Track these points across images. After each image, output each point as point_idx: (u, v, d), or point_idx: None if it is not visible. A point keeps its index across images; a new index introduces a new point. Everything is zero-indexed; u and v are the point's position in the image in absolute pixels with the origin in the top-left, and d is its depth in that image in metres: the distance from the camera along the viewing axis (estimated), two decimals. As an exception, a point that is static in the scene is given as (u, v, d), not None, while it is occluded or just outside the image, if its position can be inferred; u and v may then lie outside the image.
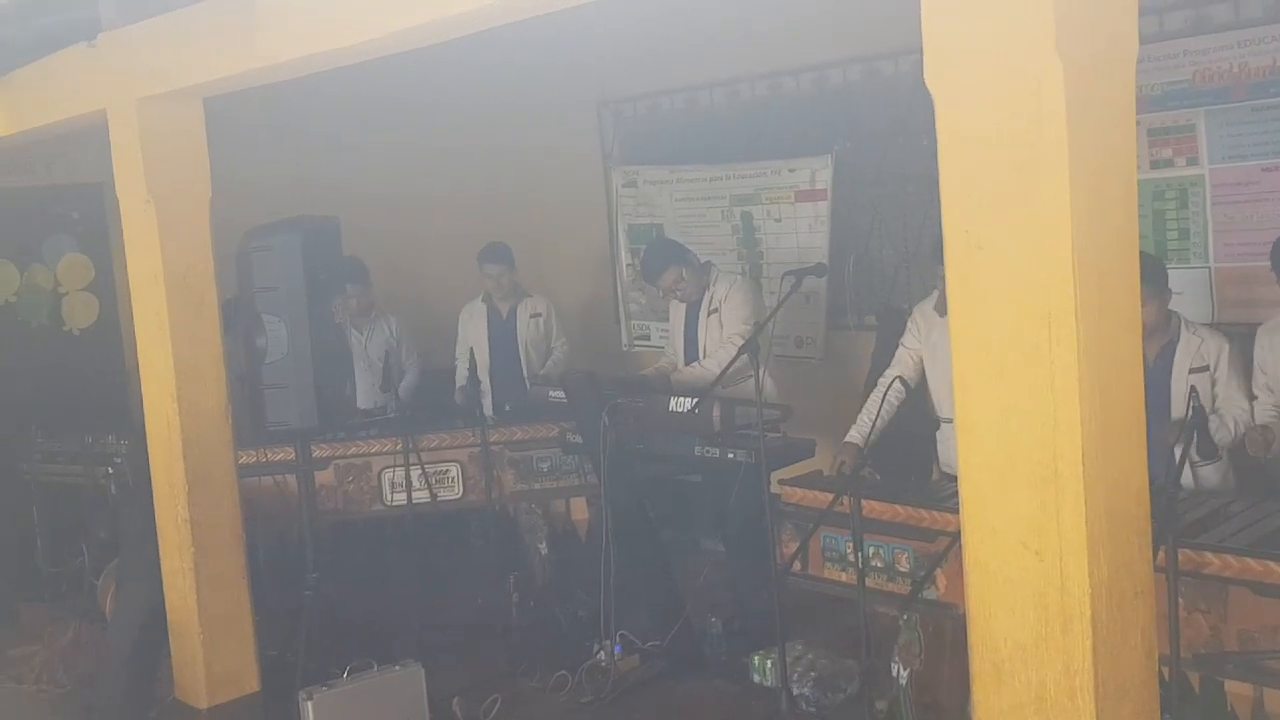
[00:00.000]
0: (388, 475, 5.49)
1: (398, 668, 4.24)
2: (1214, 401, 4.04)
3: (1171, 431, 3.65)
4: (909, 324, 4.77)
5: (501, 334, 6.24)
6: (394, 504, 5.50)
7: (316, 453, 5.21)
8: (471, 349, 5.84)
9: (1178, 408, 4.00)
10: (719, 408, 4.76)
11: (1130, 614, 2.18)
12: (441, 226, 7.30)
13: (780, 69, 6.41)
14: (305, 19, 3.59)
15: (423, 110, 7.17)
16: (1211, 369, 4.03)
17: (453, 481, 5.55)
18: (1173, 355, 4.09)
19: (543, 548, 5.71)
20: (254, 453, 5.00)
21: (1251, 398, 4.05)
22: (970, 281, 2.29)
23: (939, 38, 2.27)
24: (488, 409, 5.91)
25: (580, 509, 5.81)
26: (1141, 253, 4.45)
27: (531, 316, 6.25)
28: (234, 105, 4.78)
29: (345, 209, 5.26)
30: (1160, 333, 4.10)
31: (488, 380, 6.05)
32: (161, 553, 4.61)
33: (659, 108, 7.11)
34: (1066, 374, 2.14)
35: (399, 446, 5.41)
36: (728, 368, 4.64)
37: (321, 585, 4.52)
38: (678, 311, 5.62)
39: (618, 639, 4.84)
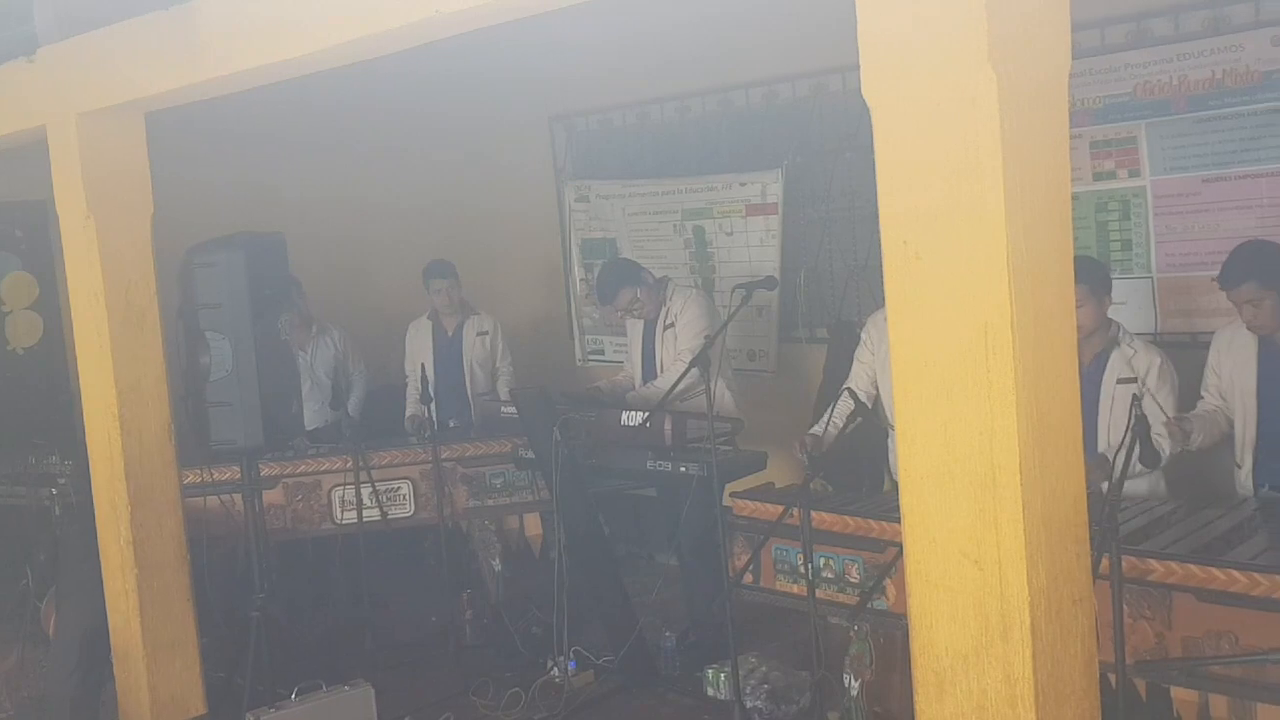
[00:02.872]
0: (338, 493, 5.44)
1: (347, 688, 4.19)
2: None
3: (1096, 465, 3.66)
4: (862, 336, 4.80)
5: (447, 351, 6.21)
6: (344, 522, 5.44)
7: (265, 471, 5.15)
8: (422, 365, 5.79)
9: (1104, 415, 4.06)
10: (670, 421, 4.76)
11: (1069, 621, 2.19)
12: (392, 241, 7.27)
13: (730, 84, 6.44)
14: (248, 31, 3.56)
15: (373, 124, 7.15)
16: (1140, 381, 4.06)
17: (404, 499, 5.50)
18: (1105, 364, 4.13)
19: (496, 564, 5.67)
20: (199, 472, 4.93)
21: (1178, 410, 4.09)
22: (909, 292, 2.30)
23: (875, 51, 2.28)
24: (434, 426, 5.87)
25: (534, 525, 5.78)
26: (1081, 255, 4.52)
27: (478, 334, 6.22)
28: (178, 119, 4.73)
29: (292, 223, 5.22)
30: (1098, 336, 4.14)
31: (435, 398, 6.01)
32: (104, 574, 4.53)
33: (611, 122, 7.12)
34: (1003, 383, 2.15)
35: (349, 464, 5.36)
36: (677, 382, 4.64)
37: (269, 605, 4.46)
38: (635, 328, 5.62)
39: (572, 655, 4.82)
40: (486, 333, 6.24)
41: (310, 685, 4.17)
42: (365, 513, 5.37)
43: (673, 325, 5.36)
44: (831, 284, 6.17)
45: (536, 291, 7.54)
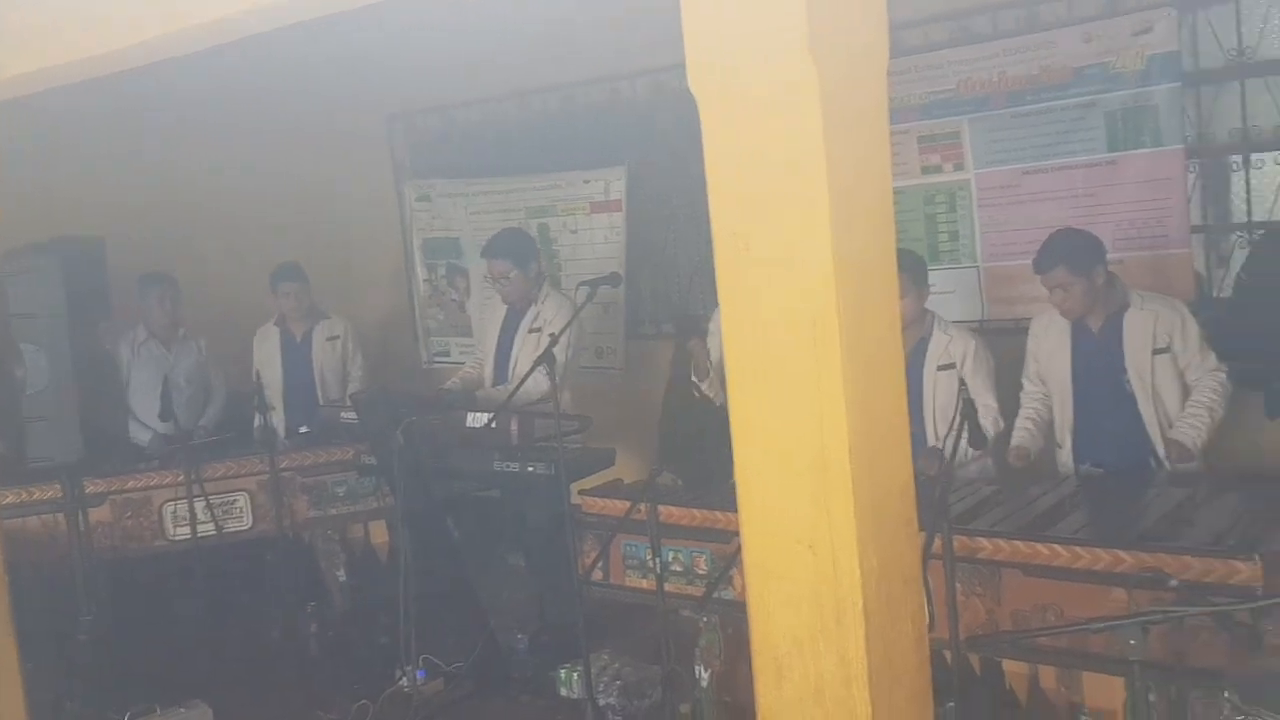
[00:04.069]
0: (170, 509, 5.22)
1: (183, 710, 4.04)
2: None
3: (925, 458, 3.78)
4: (709, 329, 4.83)
5: (295, 358, 6.02)
6: (178, 538, 5.22)
7: (90, 488, 4.91)
8: (257, 373, 5.61)
9: (927, 400, 4.20)
10: (517, 421, 4.72)
11: (900, 602, 2.24)
12: (226, 244, 7.01)
13: (573, 81, 6.44)
14: (51, 26, 3.37)
15: (201, 123, 6.88)
16: (958, 367, 4.22)
17: (241, 511, 5.33)
18: (925, 351, 4.28)
19: (341, 574, 5.54)
20: (17, 491, 4.67)
21: (997, 396, 4.26)
22: (739, 283, 2.31)
23: (699, 44, 2.29)
24: (281, 434, 5.70)
25: (380, 532, 5.66)
26: (901, 249, 4.68)
27: (328, 339, 6.05)
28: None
29: (117, 228, 5.00)
30: (916, 326, 4.28)
31: (280, 405, 5.83)
32: (-85, 604, 4.26)
33: (451, 120, 7.04)
34: (831, 372, 2.18)
35: (181, 478, 5.15)
36: (522, 381, 4.60)
37: (98, 627, 4.26)
38: (494, 318, 5.53)
39: (420, 663, 4.73)
40: (337, 337, 6.07)
41: (144, 709, 4.01)
42: (200, 528, 5.17)
43: (539, 330, 5.27)
44: (677, 279, 6.22)
45: (379, 293, 7.41)
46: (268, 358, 6.00)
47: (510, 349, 5.35)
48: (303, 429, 5.85)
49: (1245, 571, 2.91)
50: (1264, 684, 2.46)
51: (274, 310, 6.06)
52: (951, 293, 5.15)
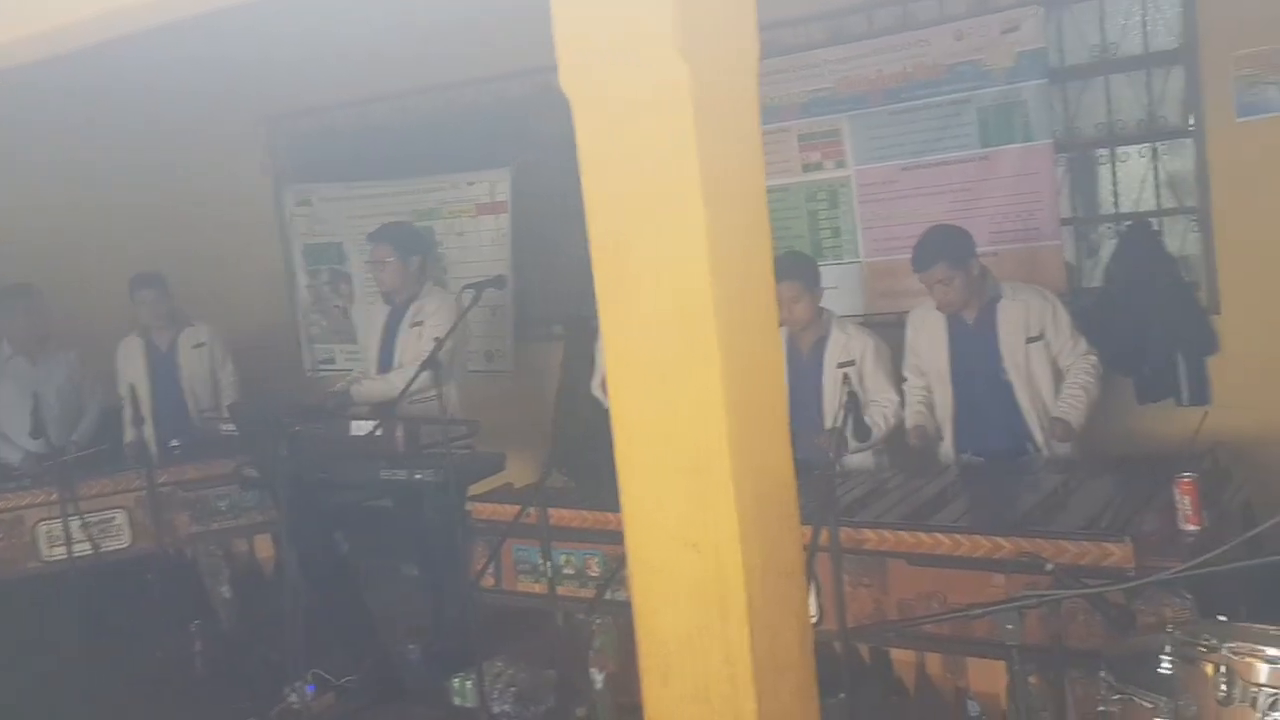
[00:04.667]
0: (44, 528, 5.03)
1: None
2: (864, 395, 4.31)
3: (824, 438, 3.84)
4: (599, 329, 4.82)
5: (162, 368, 5.84)
6: (53, 559, 5.03)
7: (-44, 509, 4.71)
8: (132, 386, 5.43)
9: (829, 398, 4.26)
10: (402, 428, 4.65)
11: (783, 596, 2.25)
12: (98, 253, 6.77)
13: (454, 82, 6.37)
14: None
15: (69, 126, 6.63)
16: (858, 363, 4.29)
17: (119, 529, 5.15)
18: (824, 350, 4.33)
19: (225, 591, 5.40)
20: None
21: (898, 389, 4.34)
22: (616, 283, 2.30)
23: (569, 42, 2.27)
24: (152, 449, 5.52)
25: (265, 546, 5.52)
26: (795, 252, 4.76)
27: (194, 347, 5.88)
28: None
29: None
30: (814, 327, 4.34)
31: (150, 419, 5.65)
32: None
33: (331, 123, 6.91)
34: (709, 369, 2.18)
35: (54, 497, 4.96)
36: (409, 385, 4.53)
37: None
38: (376, 318, 5.45)
39: (310, 678, 4.63)
40: (203, 344, 5.90)
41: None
42: (76, 547, 4.98)
43: (420, 324, 5.21)
44: (565, 280, 6.19)
45: (259, 301, 7.22)
46: (133, 370, 5.81)
47: (393, 346, 5.27)
48: (174, 443, 5.66)
49: (1118, 553, 3.00)
50: (1138, 663, 2.52)
51: (135, 320, 5.88)
52: (835, 288, 5.22)
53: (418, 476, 4.62)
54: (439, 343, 4.58)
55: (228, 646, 5.24)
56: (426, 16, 5.65)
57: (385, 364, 5.33)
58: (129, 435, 5.66)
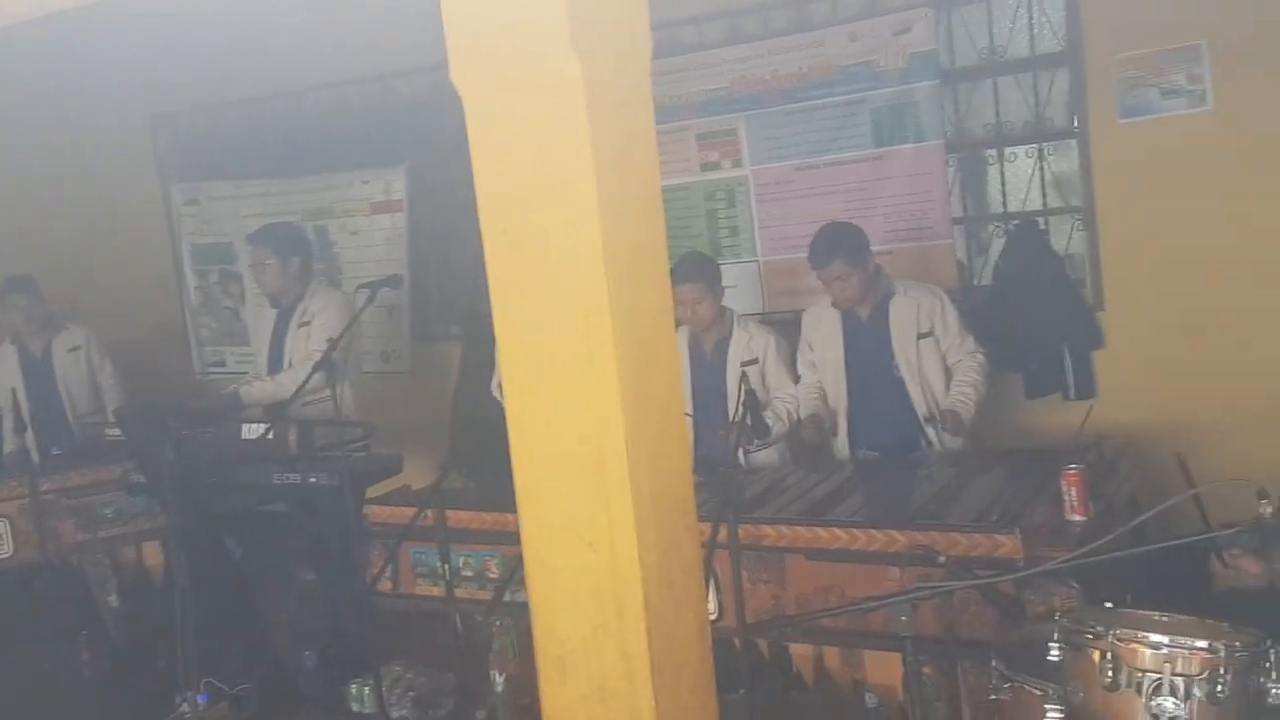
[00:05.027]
0: (-80, 541, 4.83)
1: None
2: (767, 392, 4.35)
3: (728, 430, 3.86)
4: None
5: (38, 374, 5.65)
6: (-68, 571, 4.83)
7: None
8: (13, 391, 5.24)
9: (733, 397, 4.28)
10: (295, 430, 4.54)
11: (681, 594, 2.25)
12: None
13: (347, 79, 6.28)
14: None
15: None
16: (761, 362, 4.32)
17: (1, 539, 4.96)
18: (727, 349, 4.36)
19: (113, 600, 5.23)
20: None
21: (797, 382, 4.38)
22: (510, 280, 2.28)
23: (460, 33, 2.24)
24: (34, 456, 5.34)
25: (154, 553, 5.36)
26: (697, 253, 4.77)
27: (69, 350, 5.70)
28: None
29: None
30: (716, 327, 4.37)
31: (29, 427, 5.45)
32: None
33: (220, 120, 6.75)
34: (605, 367, 2.17)
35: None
36: (301, 386, 4.44)
37: None
38: (264, 320, 5.33)
39: (202, 687, 4.50)
40: (79, 347, 5.71)
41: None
42: (-45, 558, 4.79)
43: (308, 324, 5.12)
44: (463, 279, 6.13)
45: (147, 303, 7.02)
46: (8, 376, 5.60)
47: (282, 347, 5.17)
48: (55, 450, 5.48)
49: (1008, 545, 3.06)
50: (1028, 651, 2.58)
51: (8, 326, 5.68)
52: (734, 287, 5.24)
53: (312, 480, 4.52)
54: (332, 343, 4.50)
55: (117, 656, 5.09)
56: (319, 12, 5.55)
57: (275, 365, 5.23)
58: (9, 444, 5.47)
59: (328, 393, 4.47)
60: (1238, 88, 4.54)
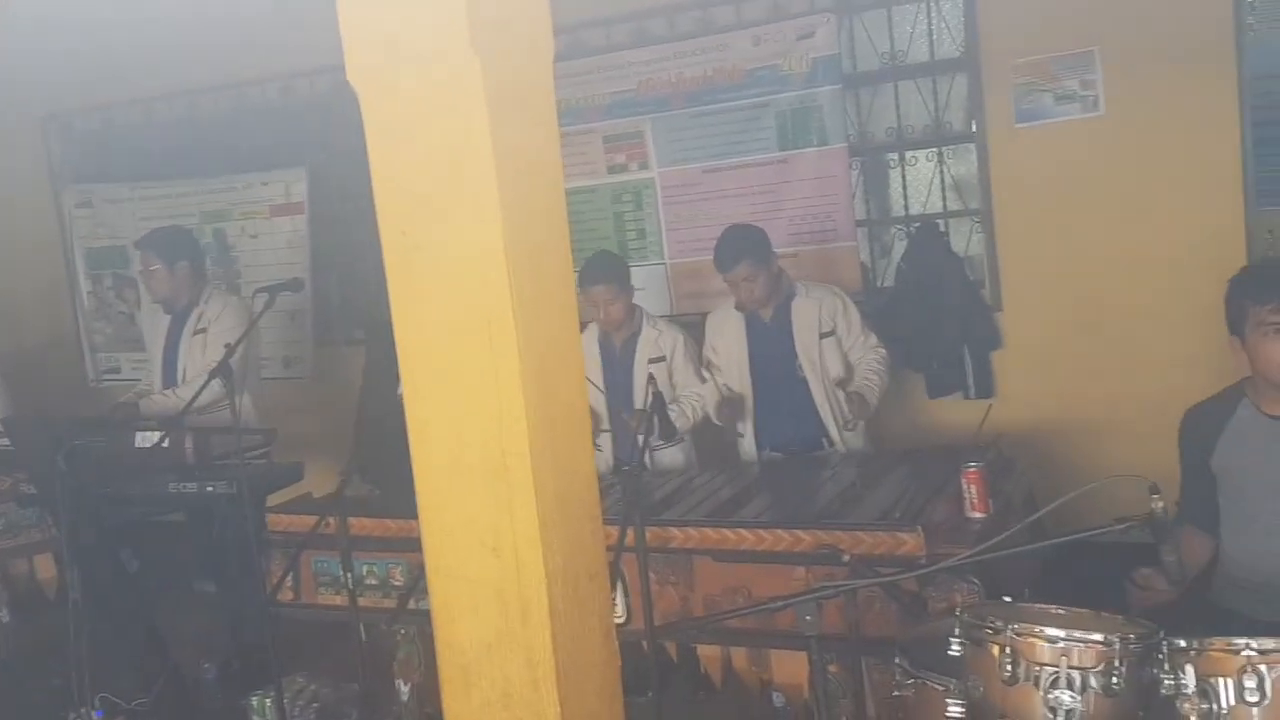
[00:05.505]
0: None
1: None
2: (674, 390, 4.35)
3: (635, 418, 3.86)
4: None
5: None
6: None
7: None
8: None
9: (640, 395, 4.27)
10: (191, 439, 4.44)
11: (586, 598, 2.23)
12: None
13: (245, 79, 6.15)
14: None
15: None
16: (669, 359, 4.33)
17: (-116, 555, 4.77)
18: (635, 346, 4.35)
19: (3, 615, 5.05)
20: None
21: (704, 381, 4.39)
22: (410, 283, 2.24)
23: (356, 31, 2.20)
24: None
25: (46, 566, 5.18)
26: (607, 252, 4.76)
27: None
28: None
29: None
30: (626, 326, 4.36)
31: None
32: None
33: (113, 121, 6.56)
34: (509, 370, 2.15)
35: None
36: (198, 394, 4.32)
37: None
38: (158, 327, 5.18)
39: (98, 703, 4.36)
40: None
41: None
42: None
43: (204, 331, 4.99)
44: (367, 283, 6.04)
45: (38, 309, 6.81)
46: None
47: (176, 355, 5.04)
48: None
49: (910, 542, 3.10)
50: (930, 647, 2.61)
51: None
52: (642, 289, 5.24)
53: (210, 489, 4.43)
54: (230, 349, 4.38)
55: (7, 672, 4.91)
56: (216, 11, 5.42)
57: (169, 373, 5.10)
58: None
59: (226, 400, 4.37)
60: (1129, 93, 4.67)
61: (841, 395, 4.19)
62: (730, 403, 4.33)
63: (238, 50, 5.90)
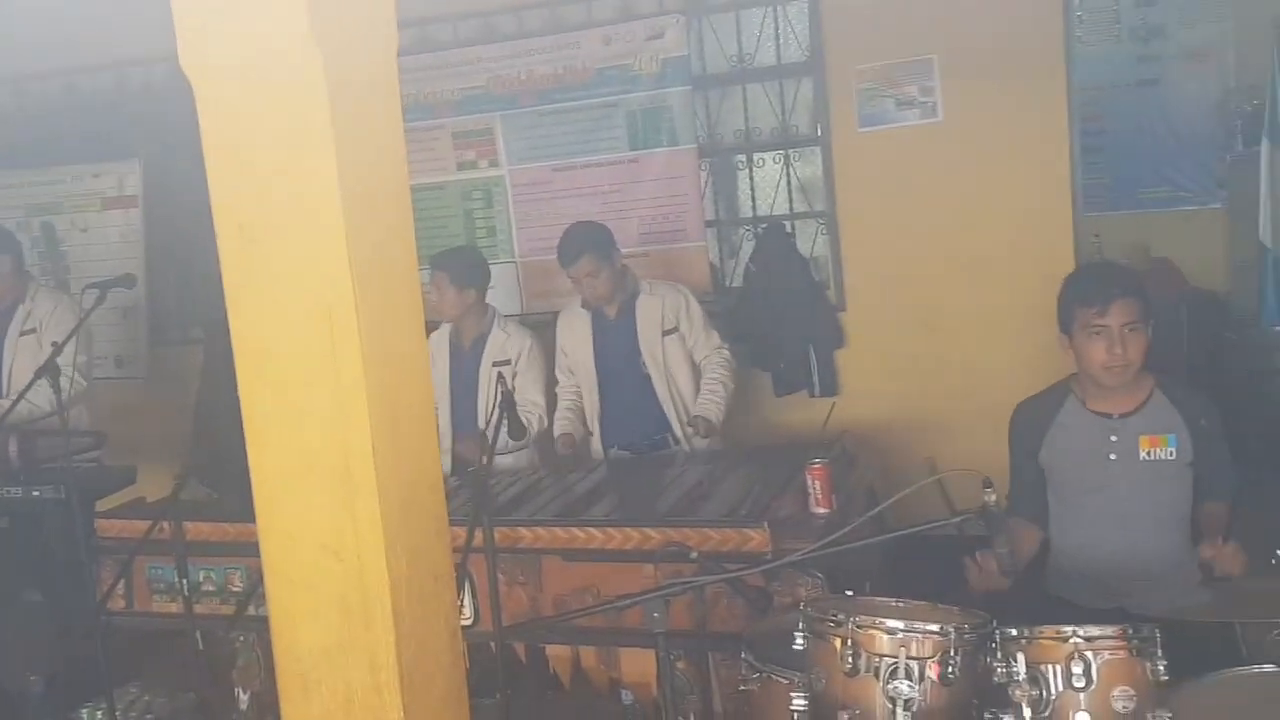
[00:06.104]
0: None
1: None
2: (513, 394, 4.30)
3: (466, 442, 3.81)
4: None
5: None
6: None
7: None
8: None
9: (484, 396, 4.24)
10: (16, 441, 4.23)
11: (431, 601, 2.20)
12: None
13: (75, 67, 5.88)
14: None
15: None
16: (513, 363, 4.28)
17: None
18: (483, 348, 4.30)
19: None
20: None
21: (546, 394, 4.36)
22: (247, 279, 2.17)
23: (189, 16, 2.12)
24: None
25: None
26: (463, 248, 4.69)
27: None
28: None
29: None
30: (477, 323, 4.30)
31: None
32: None
33: (-68, 107, 6.19)
34: (352, 370, 2.10)
35: None
36: (20, 396, 4.11)
37: None
38: None
39: (-92, 724, 4.12)
40: None
41: None
42: None
43: (33, 331, 4.74)
44: (206, 280, 5.82)
45: None
46: None
47: (1, 360, 4.78)
48: None
49: (756, 539, 3.14)
50: (775, 642, 2.64)
51: None
52: (493, 288, 5.20)
53: (35, 494, 4.25)
54: (57, 347, 4.18)
55: None
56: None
57: None
58: None
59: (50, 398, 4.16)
60: (966, 100, 4.84)
61: (686, 419, 4.22)
62: (568, 439, 4.30)
63: (68, 37, 5.63)
